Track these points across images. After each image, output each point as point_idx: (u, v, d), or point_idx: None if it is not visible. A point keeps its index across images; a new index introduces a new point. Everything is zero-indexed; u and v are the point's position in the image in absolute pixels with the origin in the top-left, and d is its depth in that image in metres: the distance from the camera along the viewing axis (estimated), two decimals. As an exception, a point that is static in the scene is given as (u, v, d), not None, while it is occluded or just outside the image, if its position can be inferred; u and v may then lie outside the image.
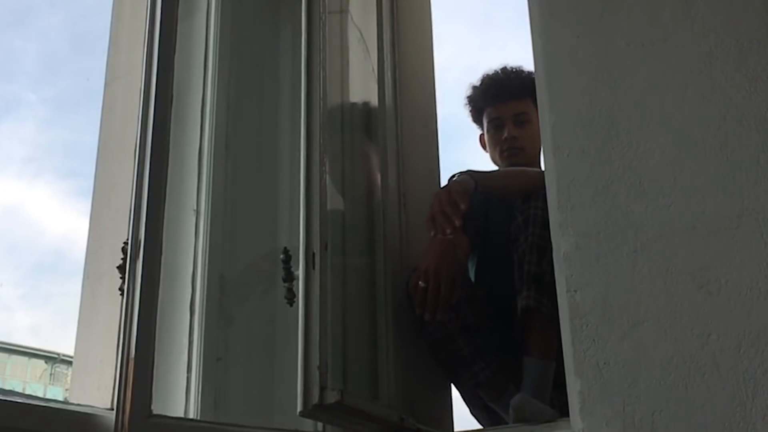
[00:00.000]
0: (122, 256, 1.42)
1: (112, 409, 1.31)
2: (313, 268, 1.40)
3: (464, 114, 2.28)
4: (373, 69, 2.04)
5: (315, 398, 1.31)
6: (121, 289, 1.39)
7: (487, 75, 2.23)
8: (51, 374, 19.07)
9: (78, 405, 1.43)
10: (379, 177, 1.97)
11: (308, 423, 1.65)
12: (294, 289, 1.67)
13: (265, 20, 2.15)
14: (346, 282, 1.72)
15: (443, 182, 2.05)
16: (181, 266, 1.73)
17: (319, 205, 1.44)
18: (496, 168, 2.18)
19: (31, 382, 17.89)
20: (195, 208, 1.78)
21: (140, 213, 1.38)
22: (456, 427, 1.94)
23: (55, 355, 18.93)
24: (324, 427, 1.69)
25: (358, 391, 1.68)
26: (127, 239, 1.39)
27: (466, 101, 2.26)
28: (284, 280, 1.70)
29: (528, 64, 2.18)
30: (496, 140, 2.16)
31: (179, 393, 1.63)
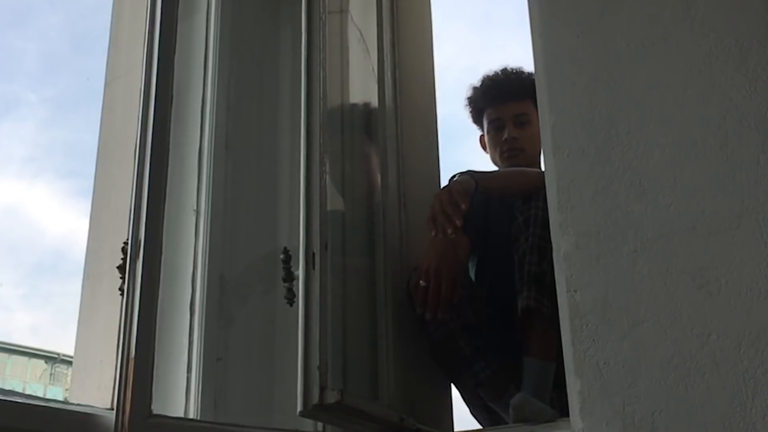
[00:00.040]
0: (122, 256, 1.42)
1: (112, 409, 1.31)
2: (313, 268, 1.40)
3: (464, 114, 2.29)
4: (373, 69, 2.04)
5: (315, 398, 1.31)
6: (121, 289, 1.39)
7: (488, 76, 2.23)
8: (51, 374, 19.07)
9: (78, 405, 1.43)
10: (379, 177, 1.97)
11: (308, 423, 1.65)
12: (294, 289, 1.67)
13: (265, 20, 2.15)
14: (346, 282, 1.72)
15: (443, 182, 2.05)
16: (181, 266, 1.73)
17: (319, 205, 1.44)
18: (496, 169, 2.18)
19: (31, 382, 17.90)
20: (195, 208, 1.78)
21: (140, 213, 1.38)
22: (456, 427, 1.95)
23: (55, 355, 18.93)
24: (324, 427, 1.69)
25: (358, 391, 1.68)
26: (127, 239, 1.39)
27: (466, 102, 2.27)
28: (284, 280, 1.70)
29: (528, 65, 2.19)
30: (496, 141, 2.16)
31: (179, 393, 1.63)
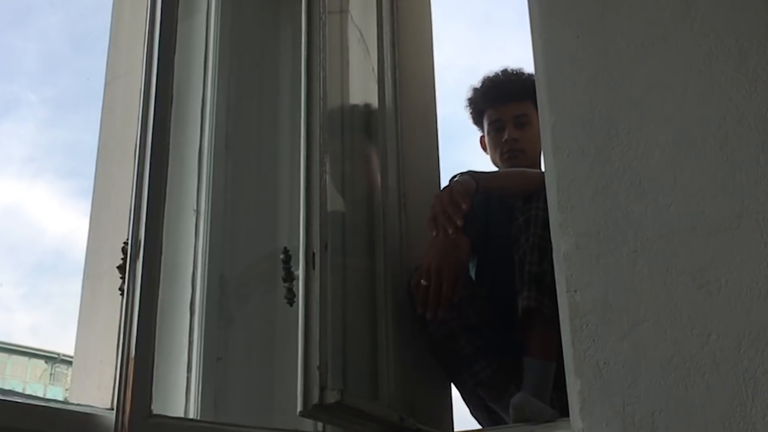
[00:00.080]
0: (122, 256, 1.42)
1: (112, 409, 1.31)
2: (313, 268, 1.40)
3: (464, 114, 2.29)
4: (373, 69, 2.04)
5: (315, 398, 1.31)
6: (121, 289, 1.39)
7: (488, 77, 2.23)
8: (51, 374, 19.07)
9: (78, 405, 1.43)
10: (379, 177, 1.97)
11: (308, 423, 1.65)
12: (294, 289, 1.67)
13: (265, 20, 2.15)
14: (346, 282, 1.72)
15: (443, 183, 2.05)
16: (181, 266, 1.73)
17: (319, 205, 1.44)
18: (496, 170, 2.18)
19: (31, 382, 17.90)
20: (195, 208, 1.78)
21: (140, 213, 1.38)
22: (456, 427, 1.95)
23: (55, 355, 18.94)
24: (324, 427, 1.69)
25: (358, 391, 1.69)
26: (127, 239, 1.39)
27: (466, 103, 2.27)
28: (284, 280, 1.70)
29: (528, 65, 2.19)
30: (496, 142, 2.16)
31: (179, 393, 1.63)
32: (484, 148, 2.23)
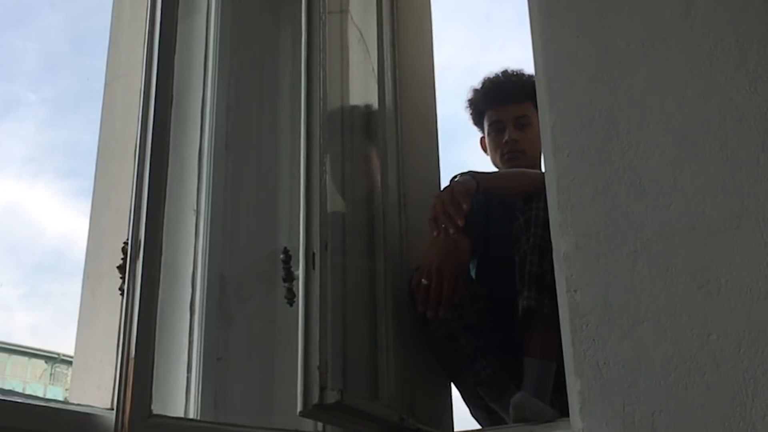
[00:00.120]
0: (122, 256, 1.42)
1: (112, 409, 1.31)
2: (313, 268, 1.40)
3: (464, 114, 2.29)
4: (373, 69, 2.04)
5: (315, 398, 1.31)
6: (121, 289, 1.39)
7: (488, 78, 2.23)
8: (51, 374, 19.06)
9: (78, 405, 1.43)
10: (379, 178, 1.97)
11: (308, 423, 1.65)
12: (294, 289, 1.67)
13: (265, 20, 2.15)
14: (346, 282, 1.72)
15: (444, 183, 2.05)
16: (181, 266, 1.73)
17: (319, 205, 1.44)
18: (496, 170, 2.18)
19: (31, 382, 17.89)
20: (195, 208, 1.78)
21: (140, 213, 1.38)
22: (456, 427, 1.95)
23: (55, 355, 18.93)
24: (324, 427, 1.69)
25: (358, 391, 1.69)
26: (127, 239, 1.39)
27: (467, 104, 2.27)
28: (284, 280, 1.70)
29: (528, 65, 2.19)
30: (496, 143, 2.16)
31: (179, 393, 1.63)
32: (485, 149, 2.23)
